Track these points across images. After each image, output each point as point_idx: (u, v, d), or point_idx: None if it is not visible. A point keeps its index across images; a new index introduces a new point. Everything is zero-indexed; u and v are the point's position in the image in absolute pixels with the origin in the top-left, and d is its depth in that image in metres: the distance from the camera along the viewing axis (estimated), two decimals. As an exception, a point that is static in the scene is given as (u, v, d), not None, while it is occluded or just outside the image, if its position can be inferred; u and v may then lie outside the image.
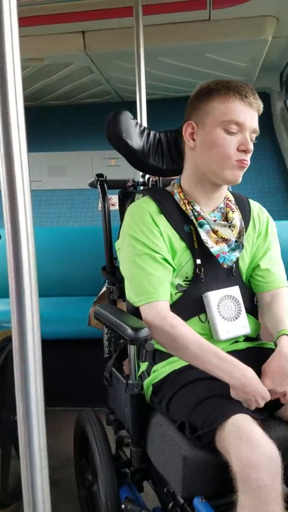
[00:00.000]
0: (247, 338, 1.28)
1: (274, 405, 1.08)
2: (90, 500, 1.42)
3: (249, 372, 1.05)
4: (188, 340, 1.11)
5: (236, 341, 1.26)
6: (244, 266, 1.29)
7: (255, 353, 1.22)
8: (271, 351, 1.16)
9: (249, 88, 1.17)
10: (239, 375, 1.04)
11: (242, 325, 1.24)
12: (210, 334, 1.21)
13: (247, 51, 2.60)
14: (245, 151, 1.16)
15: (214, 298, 1.21)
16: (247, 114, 1.16)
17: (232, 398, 1.04)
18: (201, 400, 1.05)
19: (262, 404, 1.03)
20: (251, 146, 1.16)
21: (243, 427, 0.94)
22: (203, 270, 1.21)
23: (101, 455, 1.32)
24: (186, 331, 1.12)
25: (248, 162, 1.18)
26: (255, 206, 1.36)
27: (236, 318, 1.23)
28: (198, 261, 1.21)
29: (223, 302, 1.22)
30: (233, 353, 1.13)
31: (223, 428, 0.96)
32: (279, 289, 1.28)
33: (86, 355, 2.21)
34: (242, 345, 1.25)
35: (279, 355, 1.11)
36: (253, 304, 1.32)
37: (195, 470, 0.99)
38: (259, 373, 1.07)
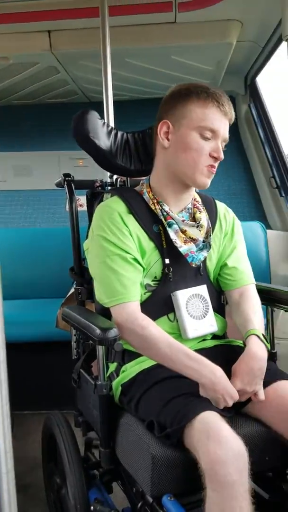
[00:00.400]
0: (214, 336, 1.30)
1: (241, 402, 1.09)
2: (59, 503, 1.41)
3: (218, 371, 1.06)
4: (158, 340, 1.11)
5: (204, 339, 1.27)
6: (211, 266, 1.30)
7: (223, 351, 1.24)
8: (238, 348, 1.18)
9: (225, 97, 1.19)
10: (208, 373, 1.05)
11: (210, 323, 1.25)
12: (178, 333, 1.22)
13: (212, 54, 2.64)
14: (216, 158, 1.18)
15: (183, 297, 1.22)
16: (221, 122, 1.18)
17: (201, 396, 1.05)
18: (170, 398, 1.06)
19: (230, 403, 1.04)
20: (222, 155, 1.19)
21: (211, 423, 0.95)
22: (171, 269, 1.22)
23: (70, 457, 1.30)
24: (156, 331, 1.13)
25: (215, 169, 1.20)
26: (221, 207, 1.38)
27: (204, 317, 1.24)
28: (167, 261, 1.22)
29: (191, 301, 1.23)
30: (201, 351, 1.14)
31: (192, 425, 0.97)
32: (247, 286, 1.30)
33: (53, 357, 2.18)
34: (210, 343, 1.27)
35: (248, 355, 1.12)
36: (220, 303, 1.33)
37: (163, 468, 0.99)
38: (227, 371, 1.09)
